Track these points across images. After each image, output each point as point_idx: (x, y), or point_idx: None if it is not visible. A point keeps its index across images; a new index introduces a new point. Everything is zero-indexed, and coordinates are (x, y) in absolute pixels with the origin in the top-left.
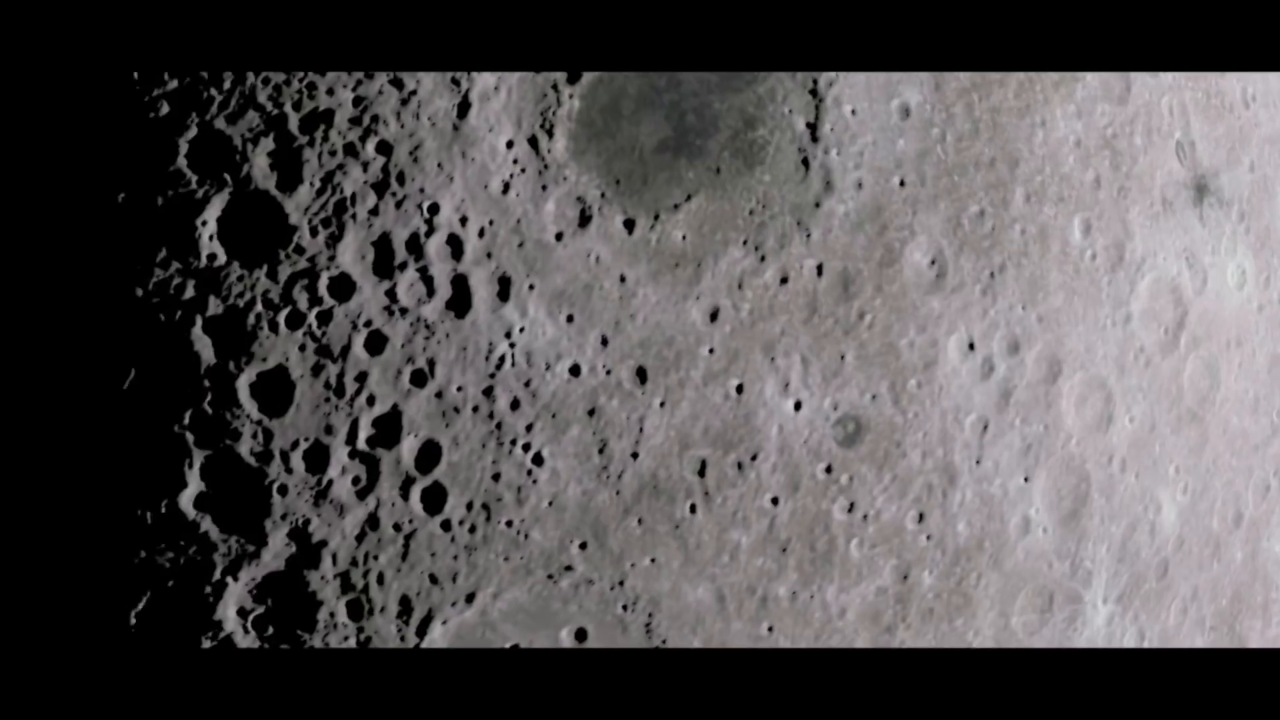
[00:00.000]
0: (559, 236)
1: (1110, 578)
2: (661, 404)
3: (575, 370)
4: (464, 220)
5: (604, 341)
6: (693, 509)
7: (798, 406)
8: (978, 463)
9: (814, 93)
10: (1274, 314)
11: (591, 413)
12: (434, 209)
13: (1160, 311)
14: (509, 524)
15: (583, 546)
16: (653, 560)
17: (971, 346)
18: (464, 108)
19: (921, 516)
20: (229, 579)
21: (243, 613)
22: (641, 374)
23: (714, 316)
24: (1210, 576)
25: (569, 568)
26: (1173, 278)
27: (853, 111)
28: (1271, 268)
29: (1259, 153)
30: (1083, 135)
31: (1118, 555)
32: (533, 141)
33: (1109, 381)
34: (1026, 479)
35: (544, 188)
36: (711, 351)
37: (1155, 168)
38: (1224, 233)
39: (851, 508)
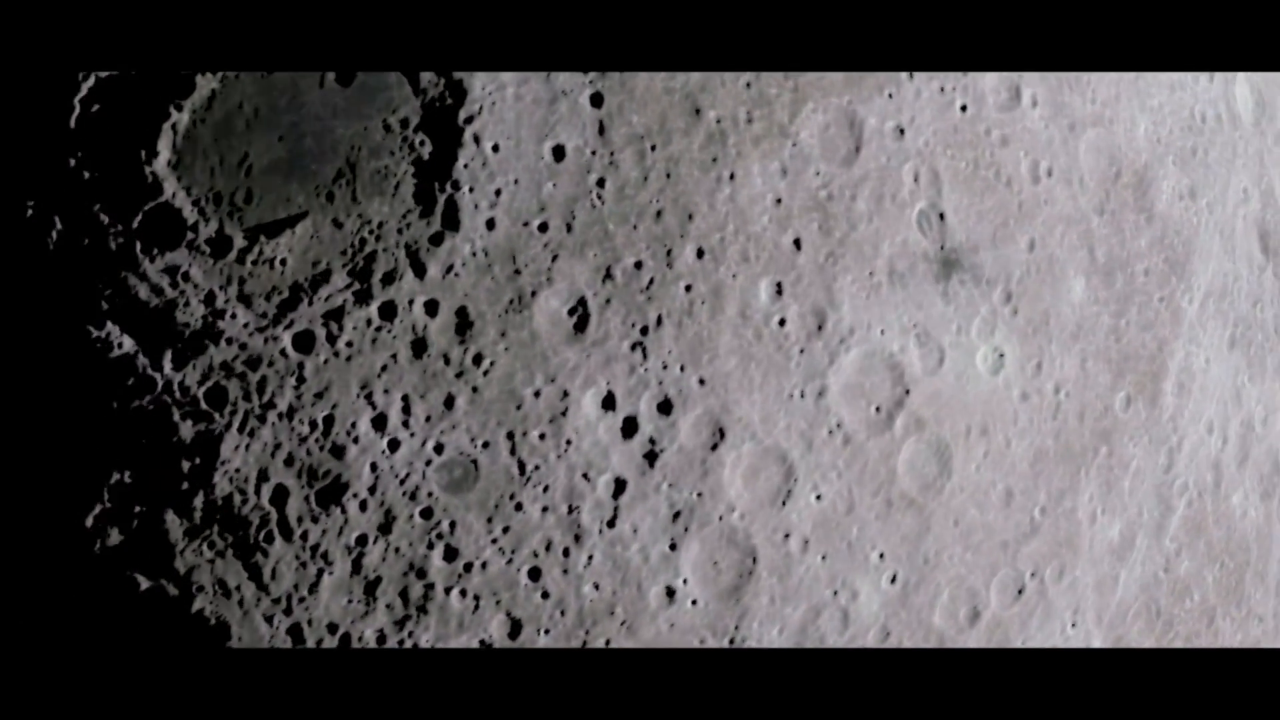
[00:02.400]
0: (146, 250)
1: None
2: (240, 429)
3: (148, 387)
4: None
5: (180, 360)
6: (269, 539)
7: (395, 446)
8: (610, 524)
9: (449, 126)
10: (1044, 405)
11: (162, 432)
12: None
13: (872, 388)
14: None
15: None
16: (222, 586)
17: (612, 403)
18: (67, 112)
19: (537, 573)
20: None
21: None
22: (220, 396)
23: (307, 345)
24: None
25: (134, 584)
26: (893, 354)
27: (494, 148)
28: (1047, 355)
29: (1047, 232)
30: (786, 195)
31: (795, 640)
32: (131, 151)
33: (790, 455)
34: (673, 547)
35: (135, 199)
36: (301, 381)
37: (883, 236)
38: (978, 313)
39: (453, 555)
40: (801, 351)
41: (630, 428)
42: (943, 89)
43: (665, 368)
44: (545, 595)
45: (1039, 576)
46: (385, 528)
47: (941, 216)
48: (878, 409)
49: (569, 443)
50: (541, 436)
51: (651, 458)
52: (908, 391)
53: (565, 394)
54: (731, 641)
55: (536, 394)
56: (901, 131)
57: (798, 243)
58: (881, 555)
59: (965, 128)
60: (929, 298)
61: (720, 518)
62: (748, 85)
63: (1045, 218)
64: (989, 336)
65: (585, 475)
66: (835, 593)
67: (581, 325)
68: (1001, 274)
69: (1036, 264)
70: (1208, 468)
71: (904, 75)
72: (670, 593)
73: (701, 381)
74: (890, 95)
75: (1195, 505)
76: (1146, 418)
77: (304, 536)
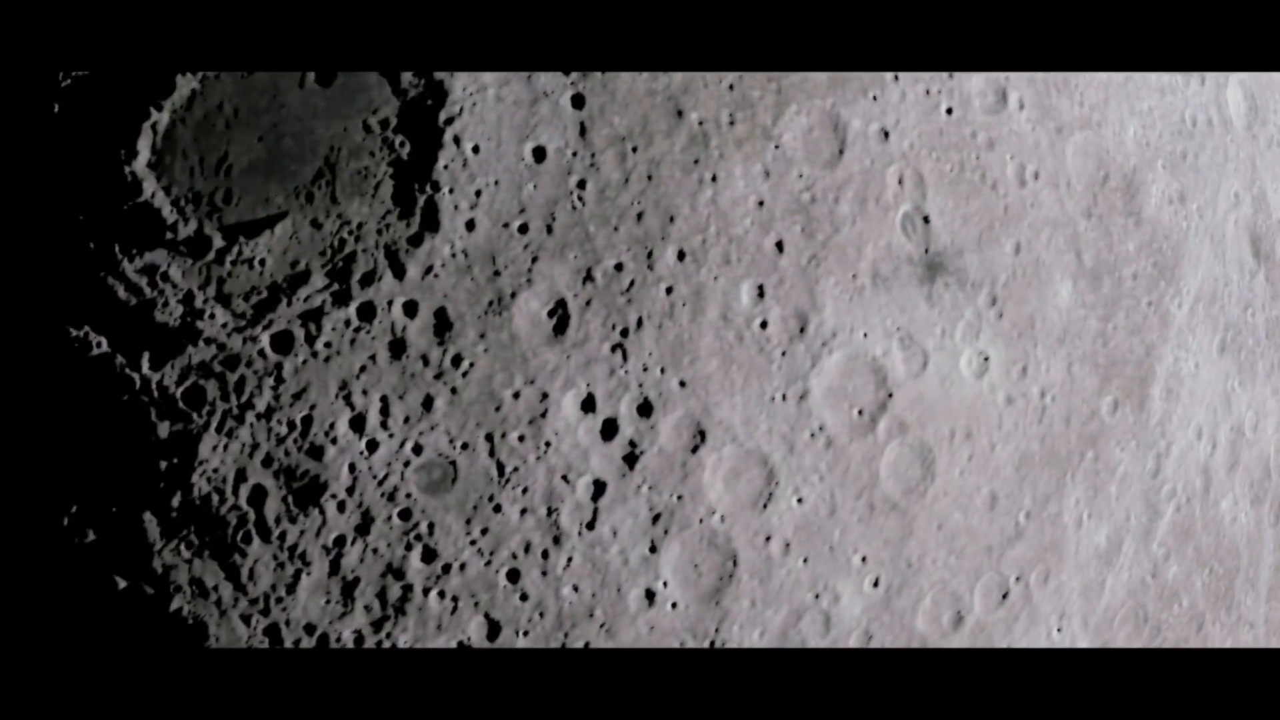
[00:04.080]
0: (125, 250)
1: None
2: (219, 429)
3: (126, 387)
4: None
5: (158, 360)
6: (247, 539)
7: (374, 447)
8: (590, 526)
9: (429, 127)
10: (1029, 409)
11: (139, 432)
12: None
13: (855, 391)
14: None
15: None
16: (199, 585)
17: (592, 405)
18: (47, 111)
19: (516, 574)
20: None
21: None
22: (198, 397)
23: (285, 346)
24: None
25: (111, 584)
26: (876, 357)
27: (475, 149)
28: (1033, 359)
29: (1033, 235)
30: (769, 197)
31: (776, 643)
32: (112, 150)
33: (772, 458)
34: (653, 549)
35: (118, 198)
36: (279, 381)
37: (866, 239)
38: (962, 316)
39: (431, 556)
40: (783, 354)
41: (610, 429)
42: (928, 91)
43: (645, 370)
44: (524, 597)
45: (1024, 581)
46: (363, 528)
47: (926, 219)
48: (860, 412)
49: (548, 444)
50: (521, 438)
51: (631, 460)
52: (890, 395)
53: (545, 396)
54: (712, 645)
55: (516, 395)
56: (886, 134)
57: (780, 245)
58: (864, 559)
59: (951, 130)
60: (913, 301)
61: (701, 520)
62: (730, 87)
63: (1031, 221)
64: (974, 340)
65: (564, 477)
66: (817, 596)
67: (561, 327)
68: (987, 277)
69: (1022, 267)
70: (1196, 473)
71: (889, 77)
72: (650, 595)
73: (682, 384)
74: (875, 98)
75: (1184, 510)
76: (1134, 422)
77: (282, 537)
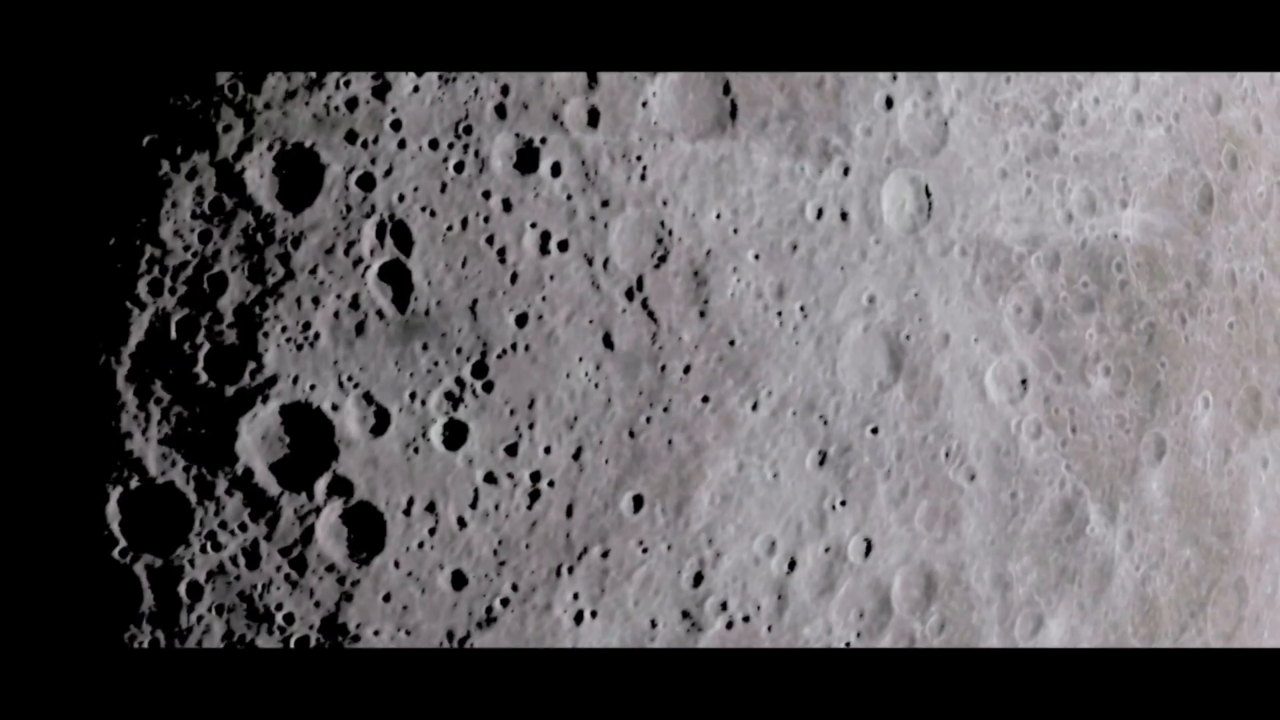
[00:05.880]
0: None
1: None
2: None
3: None
4: None
5: None
6: None
7: None
8: None
9: None
10: (517, 490)
11: None
12: None
13: (293, 444)
14: None
15: None
16: None
17: None
18: None
19: None
20: None
21: None
22: None
23: None
24: None
25: None
26: (323, 412)
27: None
28: (527, 438)
29: (549, 310)
30: (216, 233)
31: None
32: None
33: (188, 498)
34: (46, 579)
35: None
36: None
37: (329, 289)
38: (440, 382)
39: None
40: (210, 393)
41: None
42: (435, 144)
43: None
44: None
45: None
46: None
47: (407, 276)
48: (297, 466)
49: None
50: None
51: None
52: (336, 453)
53: None
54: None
55: None
56: (370, 183)
57: (221, 282)
58: (288, 617)
59: (457, 189)
60: (379, 360)
61: (101, 553)
62: (197, 116)
63: (549, 294)
64: (451, 409)
65: None
66: (234, 648)
67: None
68: (477, 347)
69: (526, 341)
70: (764, 591)
71: (388, 124)
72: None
73: None
74: (365, 144)
75: (740, 629)
76: (666, 524)
77: None
